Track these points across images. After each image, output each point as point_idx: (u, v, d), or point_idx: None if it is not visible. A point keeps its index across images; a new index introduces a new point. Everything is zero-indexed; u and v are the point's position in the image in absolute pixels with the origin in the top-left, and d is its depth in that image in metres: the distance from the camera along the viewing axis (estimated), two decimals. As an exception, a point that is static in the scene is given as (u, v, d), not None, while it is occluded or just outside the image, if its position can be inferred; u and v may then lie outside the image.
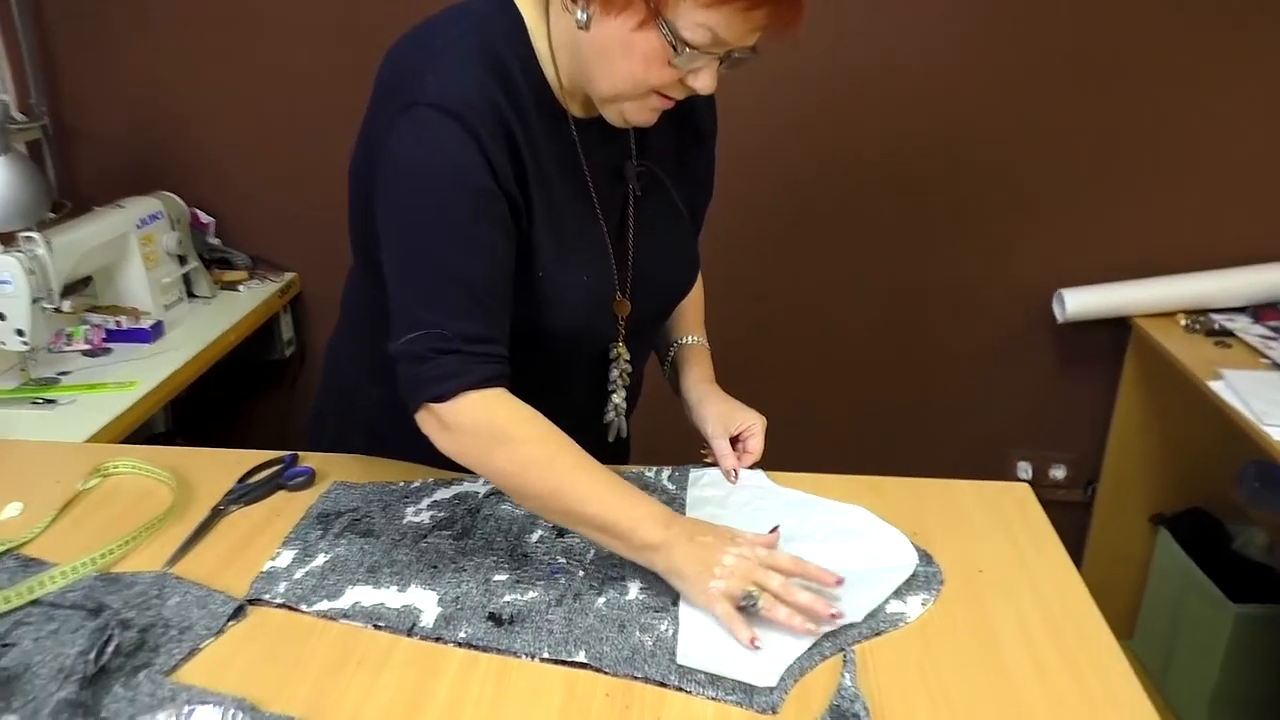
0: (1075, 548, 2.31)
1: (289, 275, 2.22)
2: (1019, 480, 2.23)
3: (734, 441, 1.21)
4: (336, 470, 1.22)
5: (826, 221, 2.14)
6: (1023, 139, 2.05)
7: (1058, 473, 2.26)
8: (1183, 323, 2.00)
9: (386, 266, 0.99)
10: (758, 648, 0.89)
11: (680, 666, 0.89)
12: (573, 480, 0.97)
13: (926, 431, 2.27)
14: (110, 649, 0.89)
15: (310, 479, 1.19)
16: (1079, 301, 2.05)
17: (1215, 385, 1.71)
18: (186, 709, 0.81)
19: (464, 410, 0.96)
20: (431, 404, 0.97)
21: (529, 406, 0.99)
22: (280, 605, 0.98)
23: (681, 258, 1.19)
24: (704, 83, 0.95)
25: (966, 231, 2.12)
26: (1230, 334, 1.94)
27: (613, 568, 1.03)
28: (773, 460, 1.20)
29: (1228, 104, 1.99)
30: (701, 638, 0.92)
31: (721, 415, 1.21)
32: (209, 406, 2.20)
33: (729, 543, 0.97)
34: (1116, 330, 2.11)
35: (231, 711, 0.80)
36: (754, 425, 1.21)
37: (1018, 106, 2.03)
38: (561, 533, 1.09)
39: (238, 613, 0.96)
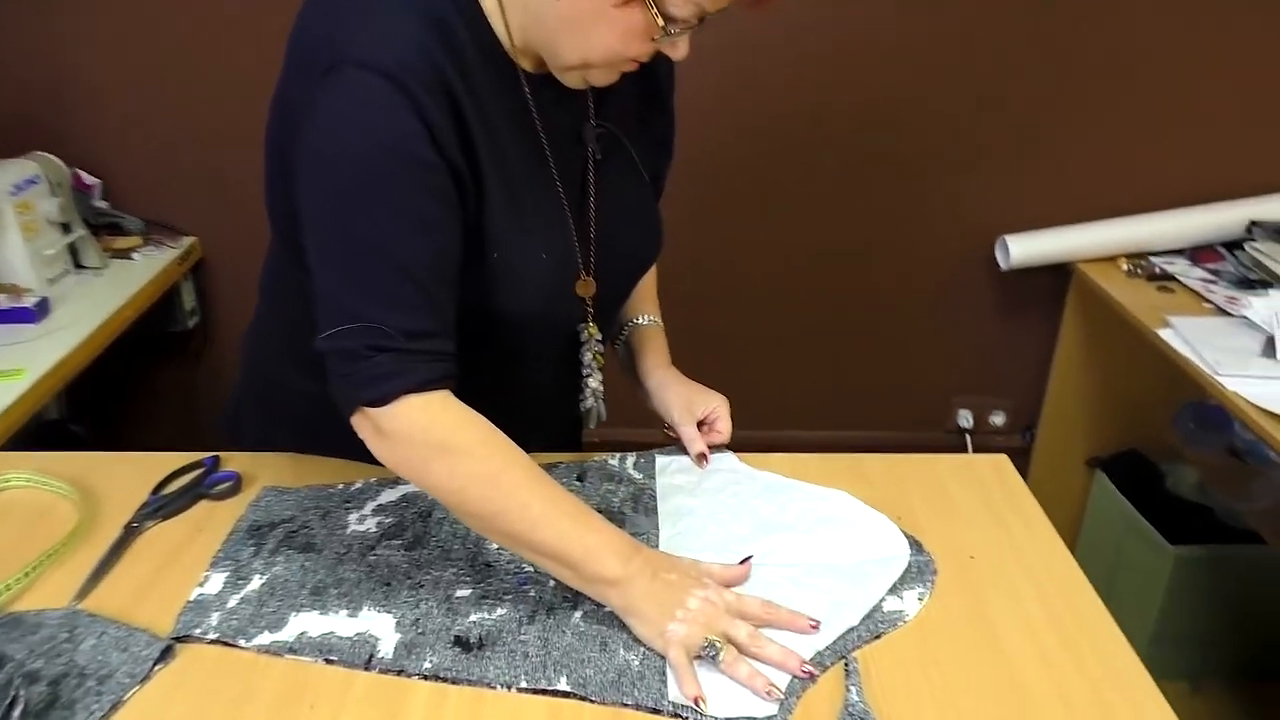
0: (1014, 493, 2.32)
1: (188, 240, 2.04)
2: (960, 429, 2.24)
3: (699, 426, 1.13)
4: (265, 472, 1.10)
5: (762, 174, 2.05)
6: (962, 87, 1.99)
7: (997, 419, 2.25)
8: (1124, 267, 1.98)
9: (311, 249, 0.87)
10: (701, 709, 0.79)
11: (675, 692, 0.81)
12: (520, 501, 0.87)
13: (869, 384, 2.22)
14: (16, 713, 0.77)
15: (236, 485, 1.07)
16: (1022, 248, 2.01)
17: (1165, 334, 1.70)
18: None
19: (402, 416, 0.85)
20: (366, 408, 0.86)
21: (475, 413, 0.88)
22: (214, 641, 0.87)
23: (647, 228, 1.08)
24: (682, 51, 0.86)
25: (908, 182, 2.05)
26: (1171, 278, 1.93)
27: (585, 574, 0.94)
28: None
29: (1164, 48, 1.96)
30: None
31: (685, 400, 1.12)
32: (107, 386, 2.02)
33: (695, 584, 0.88)
34: (1058, 276, 2.09)
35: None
36: (718, 408, 1.13)
37: (957, 55, 1.96)
38: (524, 536, 0.99)
39: (165, 654, 0.84)
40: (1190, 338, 1.65)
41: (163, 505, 1.03)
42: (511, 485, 0.87)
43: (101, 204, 2.01)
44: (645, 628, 0.86)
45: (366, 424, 0.87)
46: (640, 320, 1.19)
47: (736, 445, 1.14)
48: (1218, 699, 2.04)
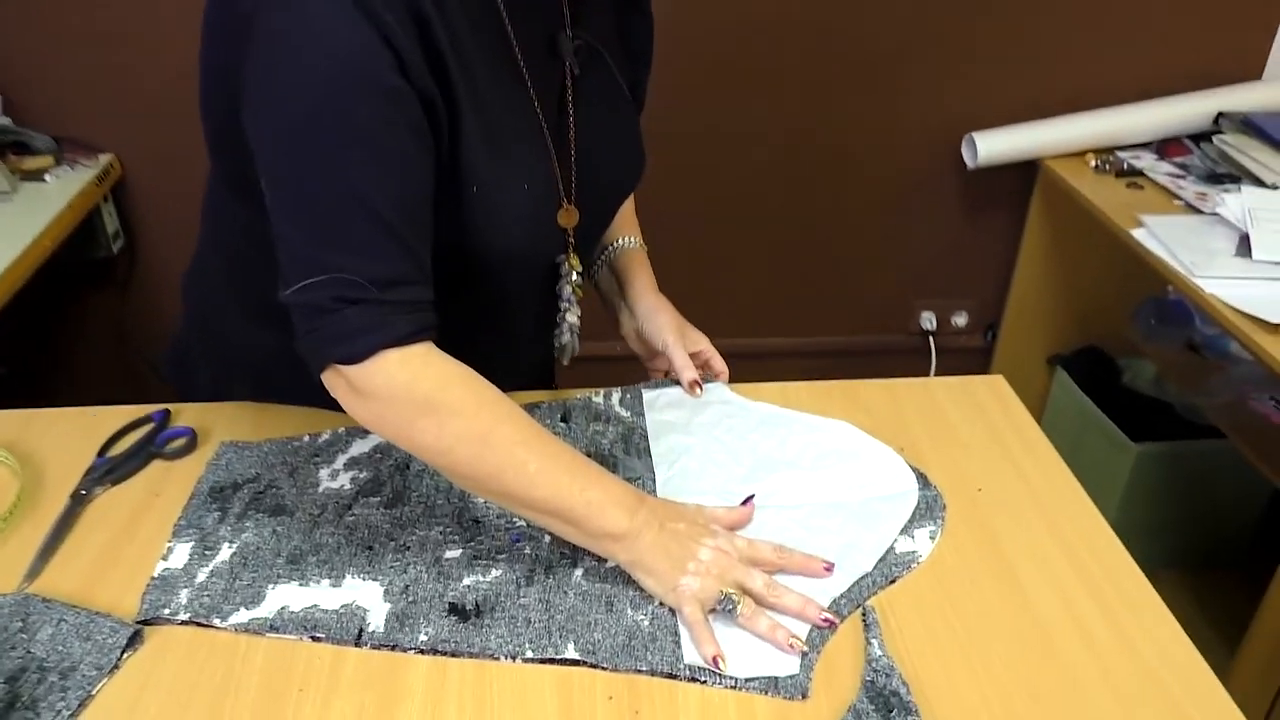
0: (975, 393, 2.31)
1: (105, 158, 1.87)
2: (923, 331, 2.21)
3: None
4: (221, 426, 1.01)
5: (721, 68, 1.95)
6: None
7: (959, 319, 2.23)
8: (1092, 163, 1.93)
9: (268, 191, 0.77)
10: (720, 669, 0.75)
11: (690, 654, 0.77)
12: (516, 458, 0.80)
13: (831, 289, 2.17)
14: (-27, 720, 0.70)
15: (192, 441, 0.98)
16: (990, 145, 1.95)
17: (1138, 234, 1.66)
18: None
19: (380, 373, 0.77)
20: (340, 365, 0.78)
21: (460, 365, 0.81)
22: (186, 622, 0.80)
23: (630, 149, 1.00)
24: None
25: (874, 80, 1.96)
26: (1140, 173, 1.89)
27: (581, 527, 0.89)
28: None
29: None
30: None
31: (678, 327, 1.06)
32: (28, 322, 1.88)
33: (704, 533, 0.83)
34: (1024, 174, 2.04)
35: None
36: (707, 346, 1.07)
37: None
38: (512, 487, 0.93)
39: (133, 640, 0.77)
40: (1164, 238, 1.62)
41: (112, 468, 0.94)
42: (505, 443, 0.80)
43: (3, 120, 1.83)
44: (656, 583, 0.81)
45: (340, 382, 0.79)
46: (624, 243, 1.11)
47: (748, 393, 1.08)
48: (1175, 587, 2.10)
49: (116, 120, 1.87)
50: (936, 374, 2.25)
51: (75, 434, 1.00)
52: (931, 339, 2.21)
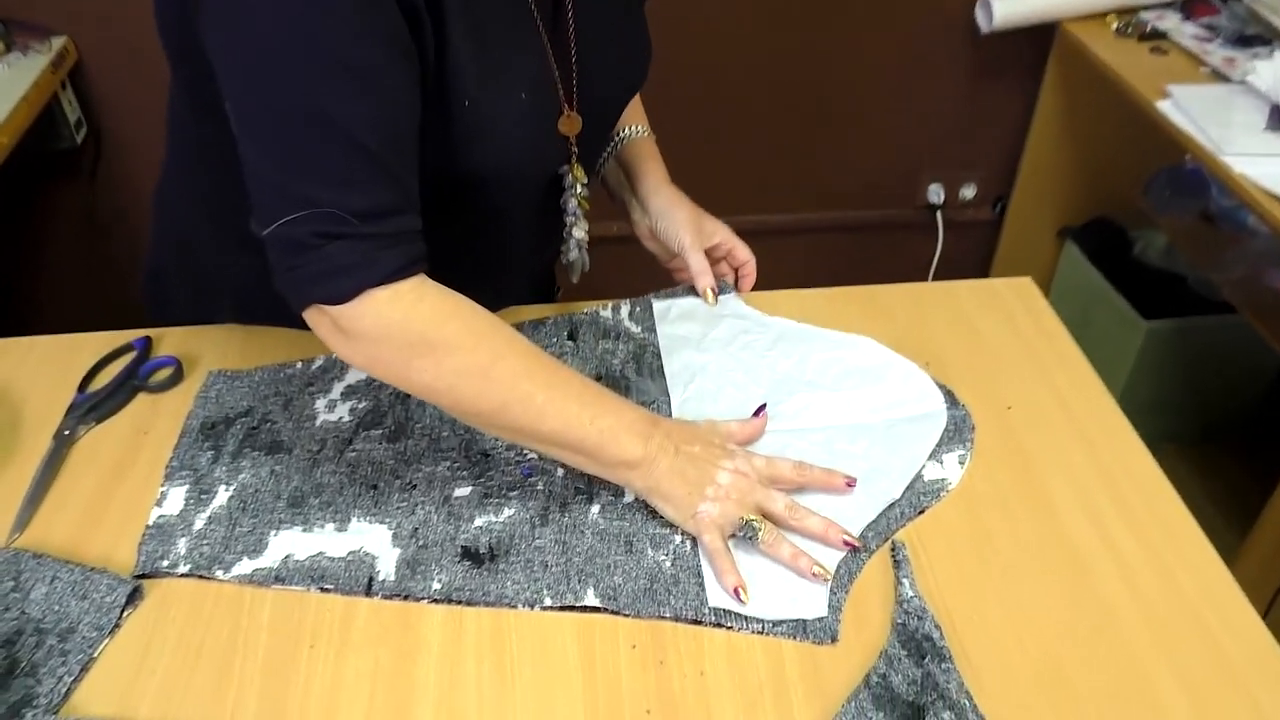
0: (984, 264, 2.26)
1: (59, 40, 1.73)
2: (930, 204, 2.14)
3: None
4: (207, 353, 0.96)
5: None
6: None
7: (968, 192, 2.15)
8: (1114, 25, 1.82)
9: (232, 113, 0.69)
10: (742, 600, 0.73)
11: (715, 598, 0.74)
12: (521, 391, 0.75)
13: (836, 161, 2.08)
14: (-29, 692, 0.66)
15: (177, 372, 0.93)
16: (1006, 7, 1.83)
17: (1163, 106, 1.57)
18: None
19: (370, 313, 0.71)
20: (325, 305, 0.71)
21: (454, 295, 0.75)
22: (186, 575, 0.76)
23: (635, 43, 0.91)
24: None
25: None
26: (1163, 36, 1.78)
27: (595, 458, 0.85)
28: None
29: None
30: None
31: (695, 224, 0.99)
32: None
33: (722, 454, 0.80)
34: (1039, 39, 1.92)
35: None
36: (728, 235, 1.01)
37: None
38: (520, 416, 0.88)
39: (132, 596, 0.74)
40: (1191, 111, 1.54)
41: (95, 405, 0.89)
42: (509, 376, 0.75)
43: (-55, -1, 1.69)
44: (674, 510, 0.78)
45: (324, 321, 0.73)
46: (631, 132, 1.03)
47: (760, 302, 1.02)
48: (1174, 460, 2.09)
49: (67, -2, 1.72)
50: (943, 248, 2.19)
51: (53, 365, 0.94)
52: (939, 213, 2.14)
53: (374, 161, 0.69)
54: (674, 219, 0.99)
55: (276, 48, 0.65)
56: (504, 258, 0.93)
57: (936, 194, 2.12)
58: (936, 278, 2.21)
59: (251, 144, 0.69)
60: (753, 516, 0.76)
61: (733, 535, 0.77)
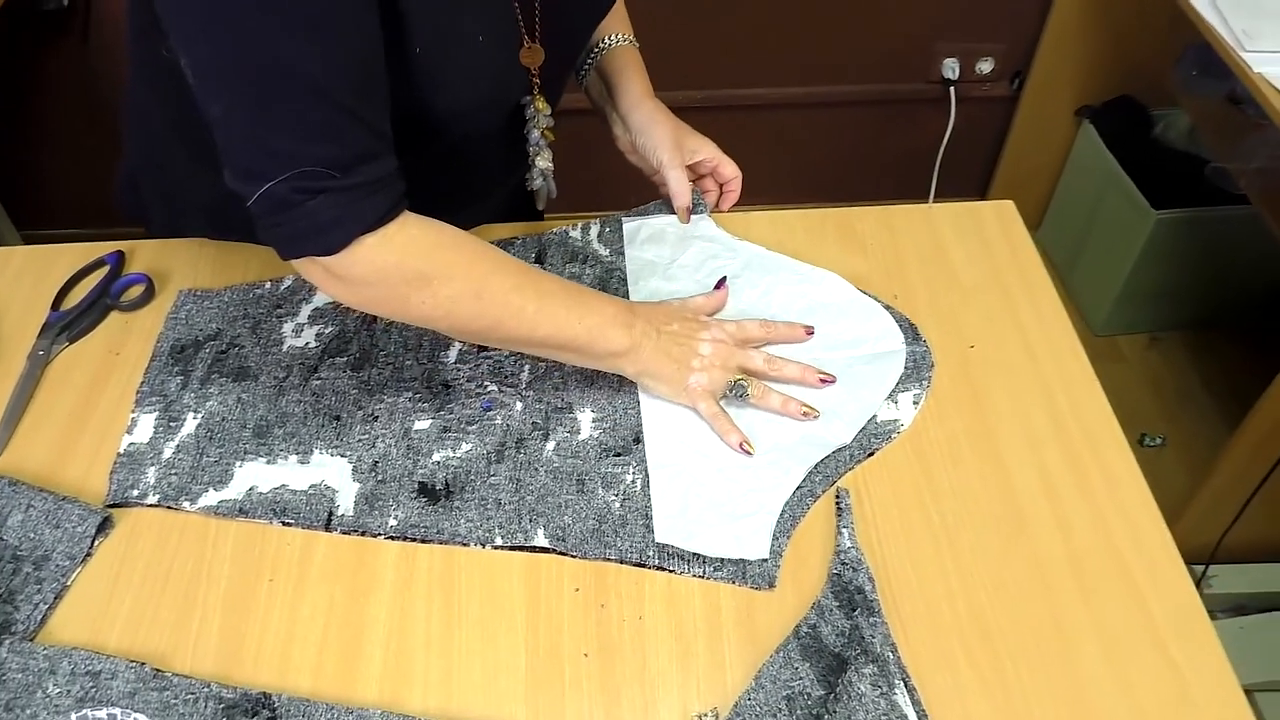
0: (997, 142, 2.19)
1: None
2: (944, 79, 2.06)
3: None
4: (178, 269, 0.96)
5: None
6: None
7: (985, 66, 2.06)
8: (1150, -108, 1.70)
9: (194, 74, 0.67)
10: (749, 451, 0.81)
11: (659, 541, 0.77)
12: (513, 305, 0.78)
13: (844, 30, 1.99)
14: (-49, 620, 0.71)
15: (149, 290, 0.94)
16: None
17: (1191, -6, 1.49)
18: (75, 716, 0.65)
19: (362, 259, 0.71)
20: (315, 256, 0.72)
21: (438, 225, 0.76)
22: (155, 505, 0.79)
23: None
24: None
25: None
26: (1203, -94, 1.66)
27: (554, 392, 0.86)
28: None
29: None
30: (678, 511, 0.78)
31: (675, 140, 0.97)
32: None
33: (698, 327, 0.86)
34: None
35: (132, 718, 0.65)
36: (712, 153, 0.99)
37: None
38: (482, 345, 0.89)
39: (103, 525, 0.77)
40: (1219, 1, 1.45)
41: (68, 323, 0.90)
42: (500, 293, 0.77)
43: None
44: (667, 388, 0.84)
45: (316, 270, 0.73)
46: (612, 41, 1.00)
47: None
48: (1174, 348, 2.09)
49: None
50: (955, 126, 2.12)
51: (25, 277, 0.95)
52: (953, 89, 2.06)
53: (344, 110, 0.68)
54: (653, 135, 0.97)
55: (230, 3, 0.63)
56: (471, 186, 0.92)
57: (952, 69, 2.04)
58: (946, 157, 2.16)
59: (210, 95, 0.67)
60: (739, 377, 0.84)
61: (724, 396, 0.84)
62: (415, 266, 0.74)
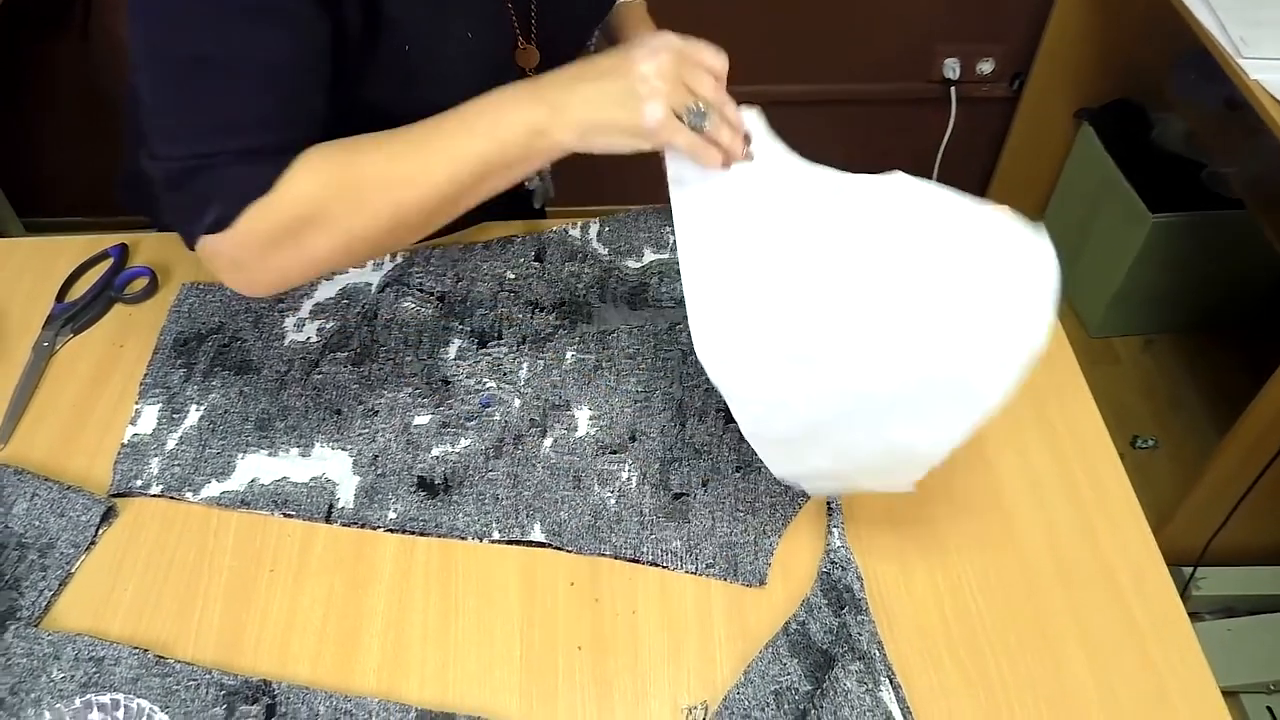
0: (996, 143, 2.20)
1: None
2: (945, 79, 2.07)
3: None
4: (181, 262, 0.98)
5: None
6: None
7: (985, 66, 2.07)
8: (1151, -102, 1.71)
9: (130, 47, 0.67)
10: (752, 155, 0.69)
11: (654, 538, 0.78)
12: (401, 176, 0.69)
13: (845, 29, 1.99)
14: (-42, 605, 0.72)
15: (152, 283, 0.95)
16: (1037, -126, 1.72)
17: (1188, -2, 1.50)
18: (80, 701, 0.67)
19: (250, 230, 0.68)
20: (206, 236, 0.69)
21: (298, 156, 0.69)
22: (158, 495, 0.81)
23: None
24: None
25: None
26: (1203, -88, 1.67)
27: (552, 389, 0.87)
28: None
29: None
30: (715, 314, 0.69)
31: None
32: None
33: (629, 50, 0.69)
34: (1071, -96, 1.81)
35: (135, 704, 0.66)
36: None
37: None
38: (483, 342, 0.91)
39: (107, 515, 0.79)
40: (1215, 3, 1.46)
41: (72, 315, 0.92)
42: (380, 179, 0.69)
43: None
44: (624, 136, 0.69)
45: (218, 259, 0.70)
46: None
47: None
48: (1169, 350, 2.11)
49: None
50: (955, 126, 2.12)
51: (32, 270, 0.96)
52: (953, 89, 2.07)
53: (274, 101, 0.67)
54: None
55: None
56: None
57: (952, 68, 2.04)
58: (946, 157, 2.17)
59: (142, 78, 0.67)
60: (695, 101, 0.68)
61: (681, 119, 0.68)
62: (296, 213, 0.68)
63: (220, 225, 0.68)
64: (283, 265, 0.71)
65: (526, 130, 0.68)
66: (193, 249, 0.71)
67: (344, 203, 0.69)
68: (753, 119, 0.74)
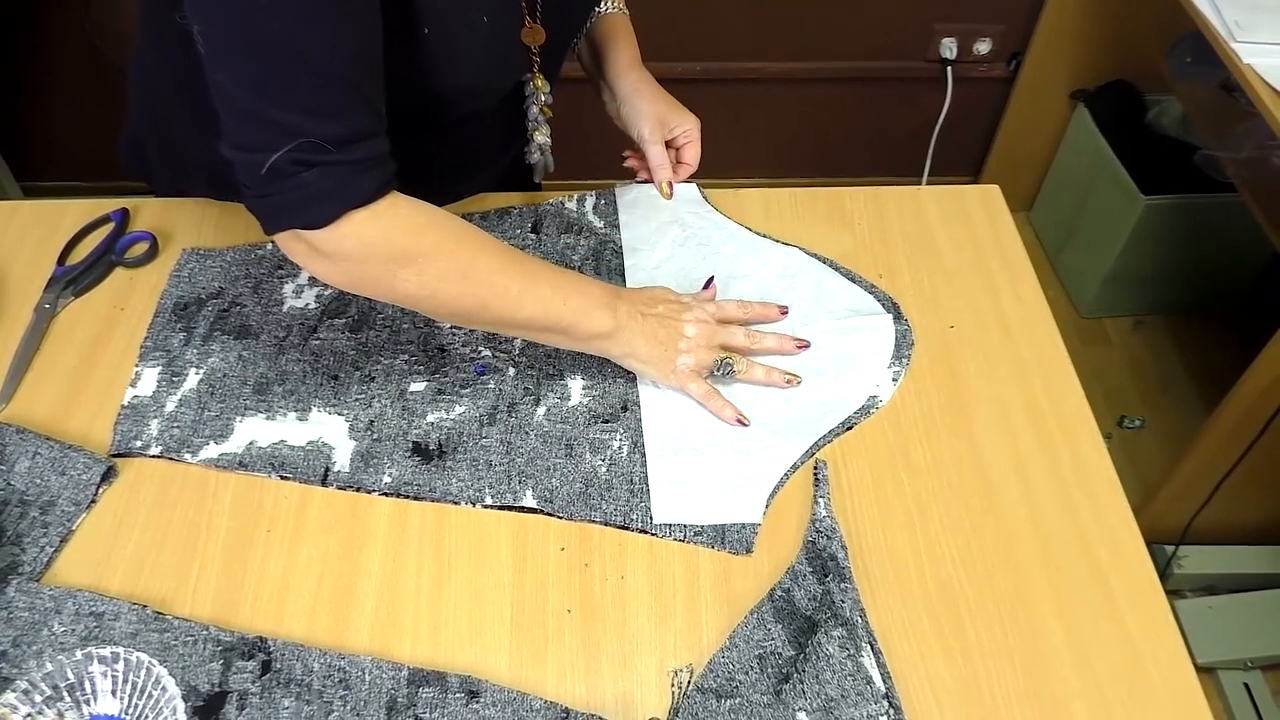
0: (992, 123, 2.21)
1: None
2: (941, 59, 2.07)
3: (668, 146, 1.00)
4: (181, 228, 0.99)
5: None
6: None
7: (982, 47, 2.07)
8: (1152, -121, 1.71)
9: (204, 42, 0.68)
10: (744, 423, 0.84)
11: (644, 506, 0.80)
12: (498, 286, 0.79)
13: (842, 7, 2.00)
14: (-39, 558, 0.74)
15: (153, 248, 0.96)
16: None
17: (1185, -20, 1.51)
18: (81, 654, 0.68)
19: (350, 235, 0.73)
20: (302, 230, 0.73)
21: (425, 205, 0.77)
22: (157, 455, 0.82)
23: None
24: None
25: None
26: (1204, -105, 1.67)
27: (546, 360, 0.89)
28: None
29: None
30: (674, 488, 0.81)
31: (657, 115, 0.98)
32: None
33: (680, 309, 0.87)
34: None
35: (135, 657, 0.68)
36: (690, 130, 1.00)
37: None
38: (477, 314, 0.92)
39: (107, 474, 0.80)
40: (1213, -12, 1.47)
41: (74, 278, 0.93)
42: (485, 273, 0.79)
43: None
44: (654, 371, 0.86)
45: (301, 247, 0.74)
46: (603, 9, 1.01)
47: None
48: (1158, 332, 2.13)
49: None
50: (951, 105, 2.13)
51: (34, 232, 0.97)
52: (950, 68, 2.08)
53: (347, 87, 0.70)
54: (637, 107, 0.98)
55: None
56: (471, 161, 0.94)
57: (949, 48, 2.05)
58: (941, 137, 2.18)
59: (219, 63, 0.68)
60: (723, 355, 0.86)
61: (709, 375, 0.86)
62: (402, 244, 0.75)
63: (318, 223, 0.72)
64: (359, 276, 0.76)
65: (594, 332, 0.83)
66: (271, 234, 0.74)
67: (446, 269, 0.77)
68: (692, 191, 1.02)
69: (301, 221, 0.72)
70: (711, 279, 0.93)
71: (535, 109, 0.91)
